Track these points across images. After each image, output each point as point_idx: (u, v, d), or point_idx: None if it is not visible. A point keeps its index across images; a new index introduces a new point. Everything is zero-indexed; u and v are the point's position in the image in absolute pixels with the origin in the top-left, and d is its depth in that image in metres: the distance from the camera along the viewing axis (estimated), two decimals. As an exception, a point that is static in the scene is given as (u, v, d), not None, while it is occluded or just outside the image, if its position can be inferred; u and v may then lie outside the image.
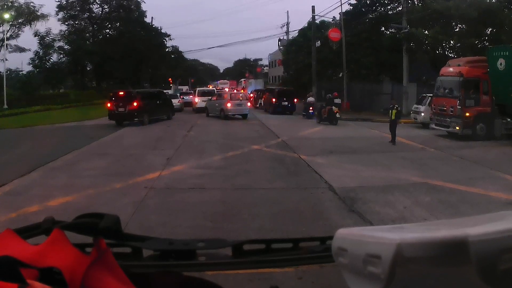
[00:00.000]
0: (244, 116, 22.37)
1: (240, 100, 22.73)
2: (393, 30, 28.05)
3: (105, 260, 0.69)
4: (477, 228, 0.55)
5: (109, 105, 19.68)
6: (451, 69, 15.62)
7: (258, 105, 30.90)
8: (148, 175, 8.29)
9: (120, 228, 0.75)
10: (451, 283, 0.56)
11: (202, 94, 27.25)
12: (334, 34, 25.25)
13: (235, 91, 31.04)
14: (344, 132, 16.21)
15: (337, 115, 19.33)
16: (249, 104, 22.86)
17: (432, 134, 15.77)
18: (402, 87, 23.91)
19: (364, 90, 24.97)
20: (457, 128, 14.58)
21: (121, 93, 20.24)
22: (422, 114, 18.16)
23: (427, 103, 17.88)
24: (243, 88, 50.12)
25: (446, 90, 15.50)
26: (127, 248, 0.86)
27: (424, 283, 0.57)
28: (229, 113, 21.77)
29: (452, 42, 23.20)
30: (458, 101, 14.71)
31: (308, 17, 33.47)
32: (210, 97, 25.01)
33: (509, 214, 0.63)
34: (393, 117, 13.19)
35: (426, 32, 22.66)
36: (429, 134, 15.88)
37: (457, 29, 23.31)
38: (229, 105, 21.91)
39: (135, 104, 19.30)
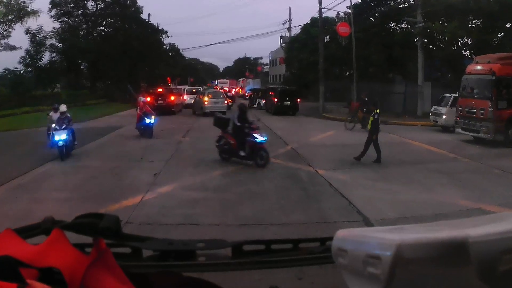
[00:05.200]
0: (223, 113, 22.38)
1: (217, 98, 23.97)
2: (404, 26, 26.29)
3: (105, 260, 0.69)
4: (477, 229, 0.54)
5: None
6: (479, 66, 13.81)
7: (256, 105, 29.68)
8: (126, 200, 6.49)
9: (119, 228, 0.74)
10: (451, 284, 0.55)
11: (190, 92, 30.44)
12: (343, 29, 23.31)
13: (208, 88, 33.86)
14: (361, 138, 14.34)
15: None
16: (226, 102, 24.38)
17: (457, 139, 14.05)
18: (417, 87, 22.00)
19: (374, 90, 23.07)
20: (489, 133, 12.83)
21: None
22: (444, 116, 16.24)
23: (449, 103, 16.06)
24: (241, 88, 50.49)
25: (475, 90, 13.75)
26: (127, 248, 0.87)
27: (424, 284, 0.56)
28: (207, 110, 22.45)
29: (470, 38, 21.43)
30: (490, 103, 12.94)
31: (311, 13, 31.82)
32: (196, 95, 26.36)
33: (509, 215, 0.62)
34: (368, 126, 10.09)
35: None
36: (454, 139, 14.15)
37: (473, 25, 21.57)
38: (206, 102, 23.12)
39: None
